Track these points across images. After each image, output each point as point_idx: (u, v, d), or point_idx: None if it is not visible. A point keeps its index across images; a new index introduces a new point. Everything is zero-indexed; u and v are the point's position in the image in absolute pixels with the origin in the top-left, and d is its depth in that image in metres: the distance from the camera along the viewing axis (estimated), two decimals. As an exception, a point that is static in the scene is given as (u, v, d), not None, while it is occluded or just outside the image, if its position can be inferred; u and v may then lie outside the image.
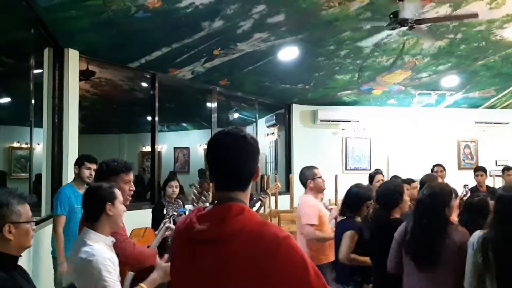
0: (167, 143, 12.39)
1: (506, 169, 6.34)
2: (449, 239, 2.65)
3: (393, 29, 4.93)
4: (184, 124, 12.32)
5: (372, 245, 3.30)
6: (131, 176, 2.59)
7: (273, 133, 9.53)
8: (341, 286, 3.52)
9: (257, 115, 8.74)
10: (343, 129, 8.65)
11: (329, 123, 8.55)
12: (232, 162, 1.35)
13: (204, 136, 11.29)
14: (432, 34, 5.73)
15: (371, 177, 5.62)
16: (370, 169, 8.48)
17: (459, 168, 8.89)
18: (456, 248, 2.63)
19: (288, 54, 6.18)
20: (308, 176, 3.98)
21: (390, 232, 3.02)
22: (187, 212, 3.95)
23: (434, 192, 2.81)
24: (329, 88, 7.83)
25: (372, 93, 8.16)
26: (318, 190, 4.04)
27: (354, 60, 6.66)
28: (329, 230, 3.95)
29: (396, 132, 8.79)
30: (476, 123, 9.01)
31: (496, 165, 8.89)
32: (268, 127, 9.50)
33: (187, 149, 12.44)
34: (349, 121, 8.60)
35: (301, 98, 8.37)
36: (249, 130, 10.22)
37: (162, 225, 3.02)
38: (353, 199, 3.64)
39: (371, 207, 3.60)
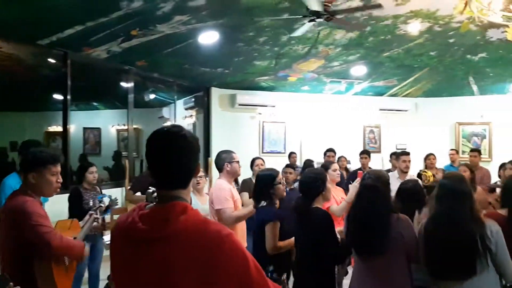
0: (76, 123, 11.77)
1: (401, 154, 6.64)
2: (392, 229, 2.68)
3: (311, 21, 5.17)
4: (95, 104, 11.80)
5: (295, 234, 3.25)
6: (58, 168, 2.53)
7: (191, 115, 9.53)
8: None
9: (175, 97, 8.69)
10: (260, 114, 8.90)
11: (247, 107, 8.75)
12: (173, 161, 1.36)
13: (117, 117, 10.93)
14: (352, 25, 6.09)
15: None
16: (285, 152, 8.88)
17: (365, 152, 9.59)
18: (400, 237, 2.67)
19: (209, 38, 6.21)
20: (226, 159, 3.88)
21: (311, 221, 3.03)
22: (105, 199, 3.89)
23: (378, 181, 2.83)
24: (248, 73, 8.01)
25: (288, 80, 8.48)
26: (234, 175, 3.97)
27: (272, 47, 6.87)
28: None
29: (309, 117, 9.24)
30: (380, 110, 9.74)
31: (396, 148, 9.73)
32: (186, 109, 9.48)
33: (98, 129, 11.93)
34: (266, 105, 8.87)
35: (220, 82, 8.45)
36: (166, 111, 10.11)
37: (87, 216, 2.98)
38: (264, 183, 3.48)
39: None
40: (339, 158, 7.27)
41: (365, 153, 7.27)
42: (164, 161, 1.37)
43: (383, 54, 7.49)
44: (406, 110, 9.87)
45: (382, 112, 9.79)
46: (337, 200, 4.43)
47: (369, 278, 2.75)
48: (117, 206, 4.33)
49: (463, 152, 9.83)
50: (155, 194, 1.45)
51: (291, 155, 8.25)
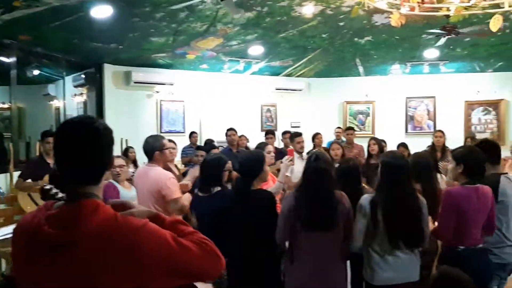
0: None
1: (295, 135, 6.52)
2: (339, 204, 2.86)
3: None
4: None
5: (233, 216, 3.18)
6: None
7: (82, 93, 8.97)
8: None
9: (64, 73, 8.10)
10: (157, 92, 8.68)
11: (144, 85, 8.47)
12: (84, 156, 1.27)
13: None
14: (238, 8, 6.13)
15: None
16: (184, 132, 8.80)
17: (262, 130, 9.86)
18: (346, 212, 2.88)
19: (102, 12, 5.86)
20: (156, 148, 3.62)
21: (254, 203, 3.05)
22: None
23: (325, 161, 2.96)
24: (144, 49, 7.72)
25: (186, 57, 8.35)
26: (165, 162, 3.79)
27: (169, 23, 6.70)
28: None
29: (208, 96, 9.24)
30: (276, 89, 10.06)
31: (291, 127, 10.18)
32: (76, 86, 8.89)
33: (-27, 108, 10.72)
34: (164, 83, 8.66)
35: (113, 58, 8.05)
36: (52, 89, 9.41)
37: None
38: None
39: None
40: (239, 137, 7.40)
41: (271, 133, 7.46)
42: (74, 155, 1.27)
43: (279, 35, 7.70)
44: (300, 90, 10.32)
45: (278, 92, 10.13)
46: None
47: (311, 255, 2.86)
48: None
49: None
50: (54, 191, 1.35)
51: (192, 134, 8.20)
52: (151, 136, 3.76)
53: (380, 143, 6.38)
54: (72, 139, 1.28)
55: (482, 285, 2.89)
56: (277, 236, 2.97)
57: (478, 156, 2.98)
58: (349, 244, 2.94)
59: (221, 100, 9.35)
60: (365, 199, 2.90)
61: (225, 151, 6.53)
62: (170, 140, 5.47)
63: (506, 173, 3.33)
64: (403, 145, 6.69)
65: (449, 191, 3.01)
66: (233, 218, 3.12)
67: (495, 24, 4.75)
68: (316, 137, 7.52)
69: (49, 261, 1.20)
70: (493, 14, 4.79)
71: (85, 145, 1.27)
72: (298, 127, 10.26)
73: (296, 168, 4.79)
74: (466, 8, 4.96)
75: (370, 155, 6.16)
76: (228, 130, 6.96)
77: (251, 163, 3.21)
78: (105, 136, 1.32)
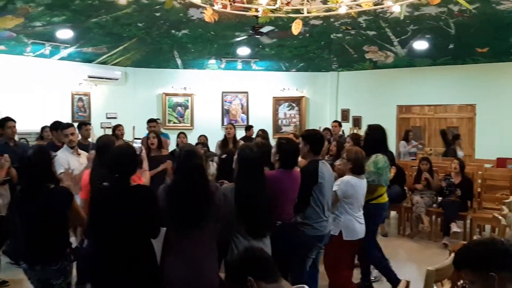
0: None
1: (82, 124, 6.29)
2: (214, 195, 2.85)
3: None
4: None
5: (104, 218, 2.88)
6: None
7: None
8: (54, 265, 2.96)
9: None
10: None
11: None
12: None
13: None
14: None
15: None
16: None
17: (73, 120, 9.15)
18: (218, 201, 2.87)
19: None
20: None
21: (135, 200, 2.83)
22: None
23: (193, 156, 2.90)
24: None
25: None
26: None
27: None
28: None
29: (7, 81, 8.13)
30: (89, 77, 9.42)
31: (107, 117, 9.70)
32: None
33: None
34: None
35: None
36: None
37: None
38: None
39: None
40: (44, 128, 6.70)
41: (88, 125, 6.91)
42: None
43: (91, 20, 7.24)
44: (116, 79, 9.87)
45: (91, 80, 9.50)
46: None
47: (187, 251, 2.78)
48: None
49: (169, 121, 10.63)
50: None
51: None
52: None
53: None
54: None
55: (299, 252, 3.46)
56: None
57: (292, 147, 3.51)
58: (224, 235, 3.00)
59: (24, 87, 8.32)
60: (227, 188, 3.09)
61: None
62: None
63: (322, 159, 3.81)
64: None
65: (268, 175, 3.34)
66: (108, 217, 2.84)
67: (296, 27, 5.27)
68: (117, 128, 7.24)
69: None
70: (295, 18, 5.31)
71: None
72: (115, 118, 9.82)
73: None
74: (272, 11, 5.40)
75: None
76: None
77: (126, 158, 2.91)
78: None
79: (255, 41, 7.82)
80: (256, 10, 5.49)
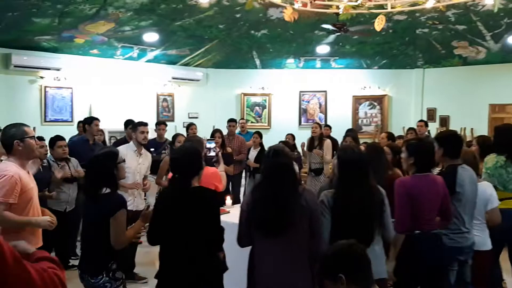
0: None
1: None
2: (302, 200, 2.62)
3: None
4: None
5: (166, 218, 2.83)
6: None
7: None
8: (94, 279, 2.80)
9: None
10: (42, 77, 7.97)
11: (26, 69, 7.70)
12: None
13: None
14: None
15: None
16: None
17: (158, 119, 9.56)
18: (308, 206, 2.63)
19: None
20: (16, 136, 2.95)
21: (197, 202, 2.74)
22: None
23: (286, 156, 2.78)
24: (25, 31, 7.04)
25: (74, 41, 7.78)
26: (29, 156, 3.06)
27: (54, 4, 6.18)
28: None
29: (100, 83, 8.71)
30: (173, 78, 9.82)
31: (189, 117, 10.04)
32: None
33: None
34: (49, 68, 7.97)
35: (-11, 38, 7.22)
36: None
37: None
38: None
39: None
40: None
41: (163, 124, 7.22)
42: None
43: (175, 23, 7.52)
44: (198, 80, 10.20)
45: (175, 81, 9.89)
46: None
47: (273, 256, 2.63)
48: None
49: (247, 120, 10.75)
50: None
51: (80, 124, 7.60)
52: (11, 125, 3.08)
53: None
54: None
55: (437, 264, 3.12)
56: (239, 242, 2.77)
57: (428, 148, 3.20)
58: (316, 244, 2.68)
59: (114, 88, 8.87)
60: (326, 195, 2.81)
61: (79, 140, 6.11)
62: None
63: (462, 164, 3.44)
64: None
65: (401, 182, 3.17)
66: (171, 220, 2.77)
67: (379, 24, 5.08)
68: (190, 127, 7.35)
69: None
70: (378, 14, 5.12)
71: None
72: (196, 117, 10.15)
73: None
74: (353, 7, 5.25)
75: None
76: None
77: (190, 158, 2.82)
78: None
79: (335, 39, 7.67)
80: (337, 7, 5.37)
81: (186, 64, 10.05)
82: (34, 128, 6.65)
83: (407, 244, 3.04)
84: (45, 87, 8.02)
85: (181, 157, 2.83)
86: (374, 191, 2.83)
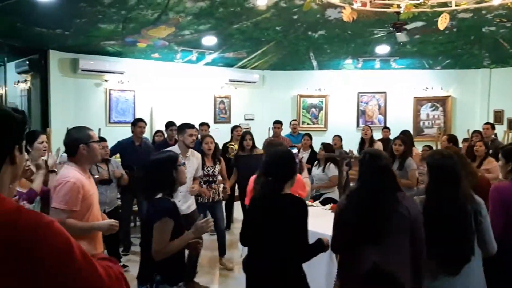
0: None
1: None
2: (401, 207, 2.50)
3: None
4: None
5: (255, 225, 2.76)
6: None
7: (25, 80, 8.51)
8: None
9: (5, 59, 7.64)
10: (106, 81, 8.36)
11: (92, 73, 8.12)
12: None
13: None
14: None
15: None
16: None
17: (215, 122, 9.74)
18: (408, 215, 2.49)
19: (45, -6, 5.56)
20: (82, 140, 2.93)
21: (285, 210, 2.64)
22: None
23: (385, 160, 2.66)
24: (92, 36, 7.40)
25: (137, 46, 8.09)
26: (92, 160, 3.07)
27: (118, 10, 6.44)
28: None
29: (160, 86, 9.00)
30: (230, 81, 9.96)
31: (245, 119, 10.13)
32: (19, 73, 8.43)
33: None
34: (113, 72, 8.35)
35: (60, 44, 7.66)
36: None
37: None
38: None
39: None
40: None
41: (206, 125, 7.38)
42: None
43: (233, 26, 7.61)
44: (254, 82, 10.28)
45: (232, 83, 10.03)
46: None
47: (369, 262, 2.50)
48: None
49: (303, 122, 10.68)
50: None
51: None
52: (75, 128, 3.08)
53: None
54: None
55: None
56: (333, 246, 2.69)
57: None
58: (419, 256, 2.50)
59: (174, 91, 9.14)
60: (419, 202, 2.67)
61: (124, 141, 6.23)
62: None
63: None
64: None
65: (496, 187, 3.01)
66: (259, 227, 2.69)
67: (443, 22, 4.87)
68: (235, 129, 7.38)
69: None
70: (441, 12, 4.91)
71: None
72: (252, 119, 10.23)
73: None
74: (415, 6, 5.07)
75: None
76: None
77: (285, 163, 2.74)
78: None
79: (395, 38, 7.43)
80: (398, 6, 5.21)
81: (243, 67, 10.16)
82: (99, 130, 7.03)
83: (499, 255, 2.76)
84: (110, 90, 8.40)
85: (276, 161, 2.76)
86: (467, 200, 2.62)
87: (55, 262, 1.13)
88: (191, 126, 4.84)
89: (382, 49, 9.28)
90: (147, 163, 2.93)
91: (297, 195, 2.83)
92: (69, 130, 3.07)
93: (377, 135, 8.92)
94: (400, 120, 9.98)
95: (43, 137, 3.79)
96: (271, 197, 2.67)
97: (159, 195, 2.76)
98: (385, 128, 8.52)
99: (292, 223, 2.61)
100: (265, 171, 2.75)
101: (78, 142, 2.91)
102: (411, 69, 10.37)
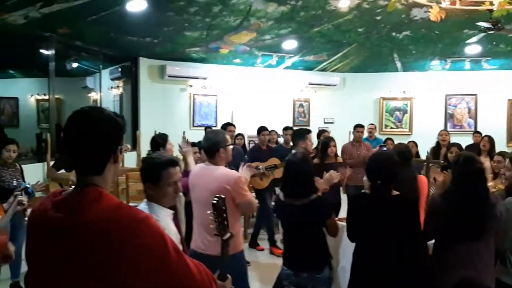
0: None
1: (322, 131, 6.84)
2: (494, 207, 2.66)
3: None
4: (11, 71, 10.91)
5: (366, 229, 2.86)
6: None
7: (118, 86, 9.13)
8: None
9: (101, 66, 8.26)
10: (191, 86, 8.72)
11: (178, 79, 8.52)
12: (84, 147, 1.28)
13: (37, 86, 10.24)
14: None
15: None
16: (216, 126, 8.82)
17: (294, 125, 9.74)
18: (499, 214, 2.66)
19: (136, 6, 5.92)
20: (222, 143, 3.17)
21: (398, 212, 2.76)
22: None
23: (473, 161, 2.75)
24: (178, 43, 7.77)
25: (219, 52, 8.35)
26: (228, 160, 3.29)
27: (203, 18, 6.70)
28: None
29: (241, 90, 9.21)
30: (309, 84, 9.92)
31: (324, 123, 10.03)
32: (112, 79, 9.06)
33: (15, 99, 11.06)
34: (197, 77, 8.69)
35: (149, 52, 8.14)
36: (90, 81, 9.62)
37: (12, 198, 2.77)
38: None
39: None
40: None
41: (289, 129, 7.32)
42: (76, 145, 1.29)
43: (314, 29, 7.58)
44: (334, 85, 10.13)
45: (311, 87, 9.98)
46: None
47: (458, 263, 2.66)
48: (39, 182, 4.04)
49: (386, 126, 10.34)
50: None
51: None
52: (213, 131, 3.36)
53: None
54: (71, 131, 1.30)
55: None
56: (428, 236, 2.86)
57: None
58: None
59: (254, 95, 9.30)
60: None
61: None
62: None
63: None
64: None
65: None
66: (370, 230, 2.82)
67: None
68: (322, 134, 7.20)
69: (50, 244, 1.24)
70: (541, 8, 4.54)
71: (82, 136, 1.28)
72: (332, 123, 10.10)
73: None
74: (510, 3, 4.73)
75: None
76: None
77: (391, 165, 2.86)
78: (110, 128, 1.31)
79: (487, 38, 6.97)
80: (491, 4, 4.89)
81: (323, 70, 10.06)
82: (184, 132, 7.34)
83: None
84: (194, 94, 8.75)
85: (382, 165, 2.88)
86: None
87: (151, 255, 1.21)
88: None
89: (473, 49, 8.72)
90: (291, 166, 3.12)
91: (410, 196, 2.97)
92: (208, 133, 3.37)
93: (467, 139, 8.38)
94: (492, 124, 9.29)
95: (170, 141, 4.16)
96: (381, 199, 2.81)
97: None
98: (476, 133, 7.98)
99: (404, 221, 2.75)
100: (371, 174, 2.86)
101: (219, 146, 3.14)
102: (505, 70, 9.63)
